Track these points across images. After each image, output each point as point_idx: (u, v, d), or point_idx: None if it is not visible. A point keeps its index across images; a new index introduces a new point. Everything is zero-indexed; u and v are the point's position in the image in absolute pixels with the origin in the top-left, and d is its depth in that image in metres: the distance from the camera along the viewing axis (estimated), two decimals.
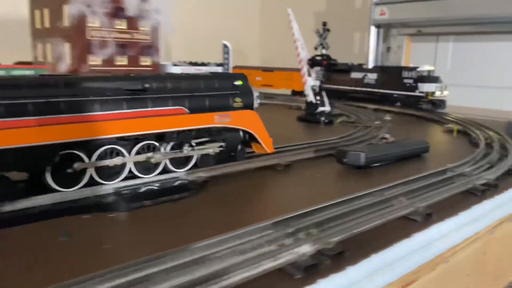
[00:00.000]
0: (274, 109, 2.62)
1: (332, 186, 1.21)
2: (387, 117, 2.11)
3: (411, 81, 2.58)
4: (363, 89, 3.01)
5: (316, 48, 1.67)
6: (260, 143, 1.31)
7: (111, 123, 0.99)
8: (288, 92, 3.58)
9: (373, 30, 3.64)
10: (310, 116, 2.13)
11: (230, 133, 1.24)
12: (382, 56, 3.67)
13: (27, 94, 0.88)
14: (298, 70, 2.12)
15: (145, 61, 2.00)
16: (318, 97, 2.09)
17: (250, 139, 1.31)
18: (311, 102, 2.13)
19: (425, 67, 2.54)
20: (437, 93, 2.45)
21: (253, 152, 1.36)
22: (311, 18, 3.80)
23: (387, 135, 1.64)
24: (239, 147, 1.29)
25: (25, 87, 0.89)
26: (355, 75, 3.11)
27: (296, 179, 1.21)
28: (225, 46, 2.24)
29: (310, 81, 2.12)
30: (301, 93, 3.07)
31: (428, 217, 0.87)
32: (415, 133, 1.90)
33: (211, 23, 3.49)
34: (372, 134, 1.75)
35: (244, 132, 1.27)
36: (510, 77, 2.79)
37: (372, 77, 2.96)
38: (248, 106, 1.28)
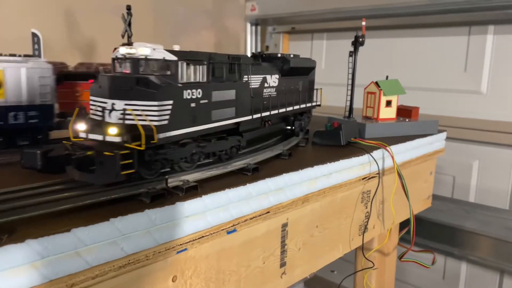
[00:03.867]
0: None
1: None
2: None
3: None
4: None
5: (122, 36, 1.43)
6: None
7: None
8: None
9: (249, 27, 3.80)
10: None
11: None
12: None
13: None
14: None
15: None
16: None
17: None
18: None
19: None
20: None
21: None
22: (202, 15, 3.80)
23: None
24: None
25: None
26: None
27: None
28: (35, 35, 2.00)
29: None
30: None
31: None
32: None
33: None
34: None
35: None
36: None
37: None
38: None
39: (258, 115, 1.26)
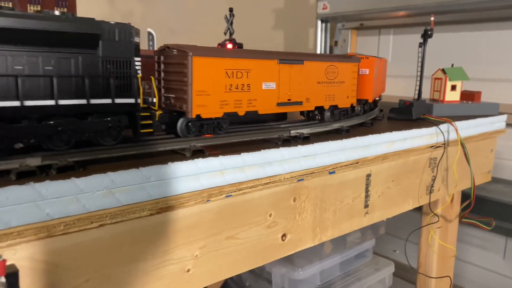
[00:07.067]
0: None
1: None
2: None
3: None
4: None
5: (225, 33, 1.79)
6: None
7: None
8: None
9: (319, 24, 4.13)
10: None
11: None
12: (330, 50, 4.15)
13: None
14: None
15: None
16: None
17: None
18: None
19: None
20: None
21: None
22: (269, 15, 4.20)
23: None
24: None
25: None
26: None
27: None
28: (150, 33, 2.37)
29: None
30: None
31: None
32: None
33: None
34: None
35: None
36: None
37: None
38: None
39: None
